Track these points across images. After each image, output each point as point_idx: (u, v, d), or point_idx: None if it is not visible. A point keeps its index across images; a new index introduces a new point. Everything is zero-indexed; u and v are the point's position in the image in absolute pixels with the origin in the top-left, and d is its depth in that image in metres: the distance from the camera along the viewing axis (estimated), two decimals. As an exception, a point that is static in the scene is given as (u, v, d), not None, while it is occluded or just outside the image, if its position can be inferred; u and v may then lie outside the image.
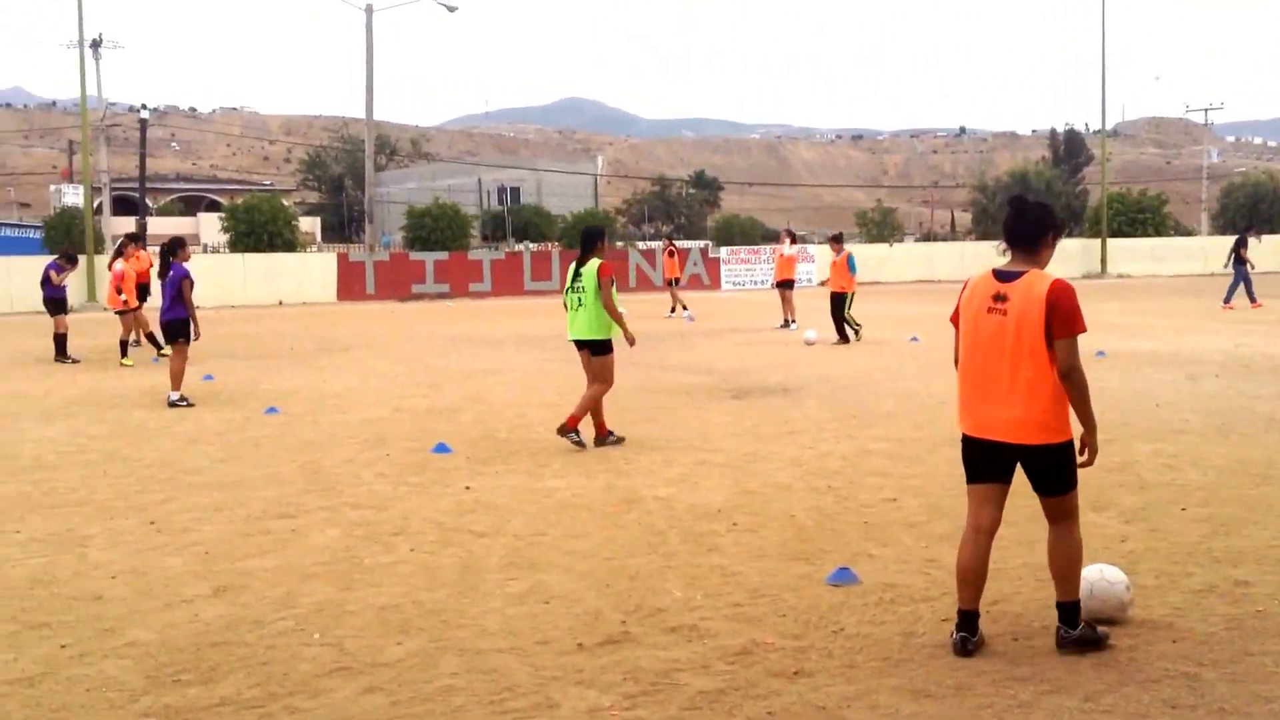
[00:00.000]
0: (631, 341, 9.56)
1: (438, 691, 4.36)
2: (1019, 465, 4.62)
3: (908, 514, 7.07)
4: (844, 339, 18.47)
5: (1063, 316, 4.40)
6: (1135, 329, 20.18)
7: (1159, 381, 12.98)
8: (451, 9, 40.93)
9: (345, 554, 6.29)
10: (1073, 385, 4.46)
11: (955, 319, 4.80)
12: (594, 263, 9.34)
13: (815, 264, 41.09)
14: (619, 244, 47.90)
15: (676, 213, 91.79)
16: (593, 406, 9.39)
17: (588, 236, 9.59)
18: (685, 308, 26.37)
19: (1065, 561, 4.59)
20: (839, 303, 18.72)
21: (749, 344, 19.08)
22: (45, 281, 17.68)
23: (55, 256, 18.38)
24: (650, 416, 11.10)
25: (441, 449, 9.37)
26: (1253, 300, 25.09)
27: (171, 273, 12.49)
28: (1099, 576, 4.89)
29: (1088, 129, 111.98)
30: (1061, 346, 4.42)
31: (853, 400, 12.02)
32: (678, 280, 27.83)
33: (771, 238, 55.60)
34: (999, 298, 4.52)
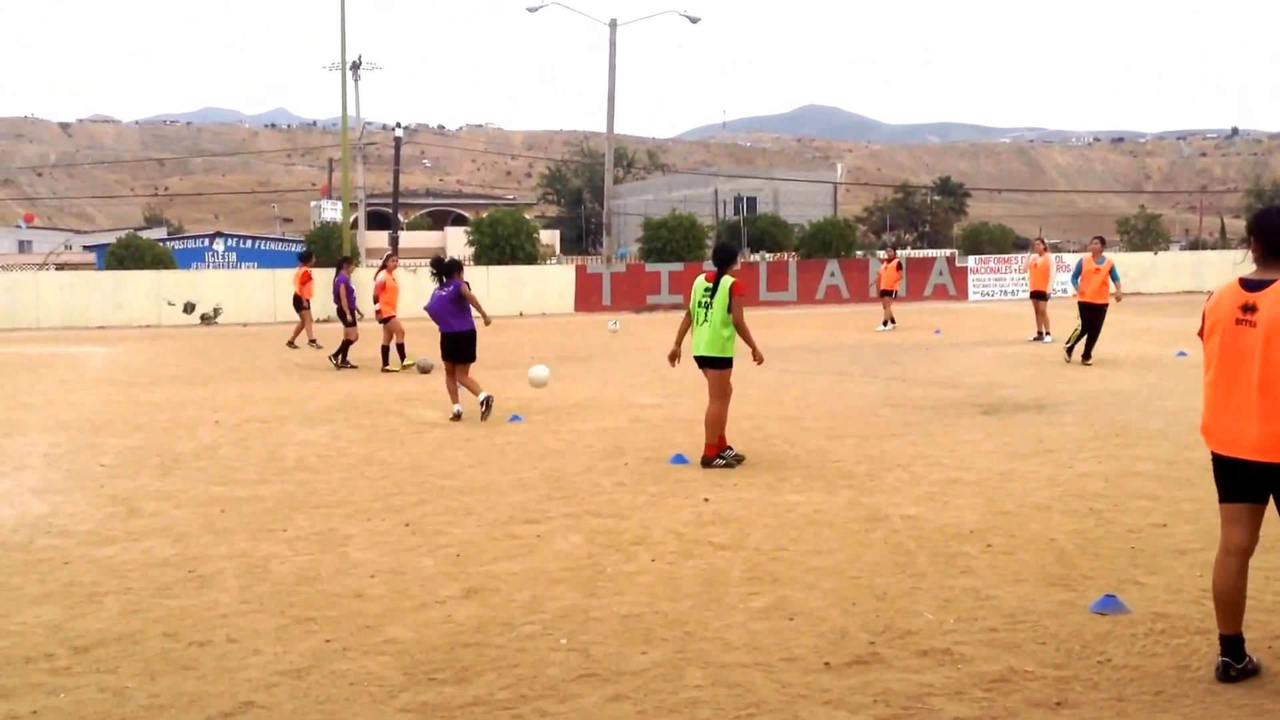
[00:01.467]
0: (760, 359, 9.39)
1: (683, 703, 4.33)
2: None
3: (1179, 540, 6.55)
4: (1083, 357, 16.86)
5: None
6: None
7: None
8: (694, 20, 41.47)
9: (588, 561, 6.40)
10: None
11: (1203, 332, 4.50)
12: (728, 280, 9.21)
13: (1069, 273, 39.05)
14: (859, 253, 47.01)
15: (920, 220, 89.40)
16: (722, 424, 9.23)
17: (722, 255, 9.46)
18: (885, 322, 25.49)
19: (1234, 595, 4.33)
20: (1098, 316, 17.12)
21: (1000, 357, 18.28)
22: (338, 293, 19.14)
23: (341, 269, 19.75)
24: (895, 432, 10.78)
25: (679, 459, 9.41)
26: None
27: (451, 286, 12.54)
28: None
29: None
30: None
31: (1115, 418, 11.28)
32: (894, 292, 26.94)
33: (1023, 246, 53.23)
34: (1247, 308, 4.28)
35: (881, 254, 36.08)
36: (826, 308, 35.29)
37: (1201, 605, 5.28)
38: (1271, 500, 4.38)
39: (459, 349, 12.40)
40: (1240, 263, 5.69)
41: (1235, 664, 4.37)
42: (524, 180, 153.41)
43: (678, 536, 6.91)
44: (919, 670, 4.61)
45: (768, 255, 49.64)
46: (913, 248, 73.52)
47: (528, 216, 47.71)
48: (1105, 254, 18.02)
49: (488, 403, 12.00)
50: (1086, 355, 16.75)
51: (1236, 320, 4.30)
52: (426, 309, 12.66)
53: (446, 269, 12.93)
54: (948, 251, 49.88)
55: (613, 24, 40.74)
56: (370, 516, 7.65)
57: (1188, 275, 40.97)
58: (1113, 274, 17.58)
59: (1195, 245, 74.16)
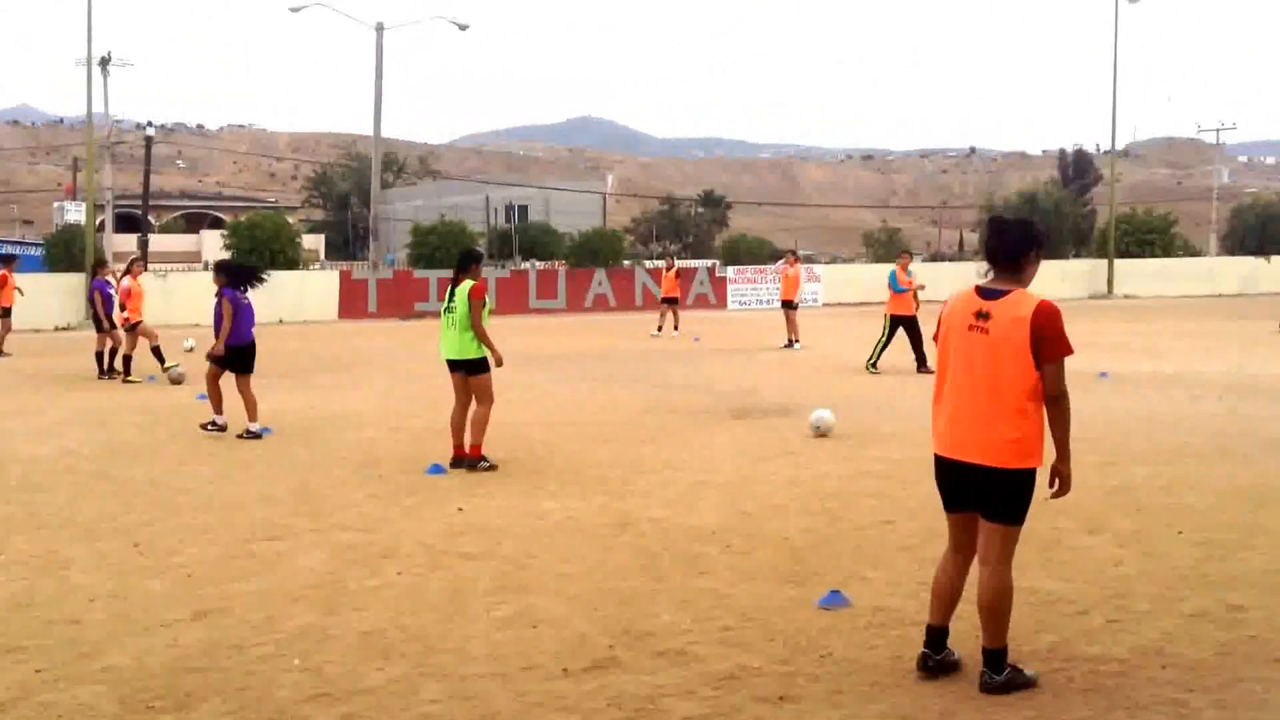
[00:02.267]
0: (499, 362, 9.55)
1: (417, 719, 4.30)
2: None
3: (902, 536, 7.01)
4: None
5: (1051, 340, 4.30)
6: (1140, 350, 20.09)
7: (1161, 403, 12.90)
8: (463, 27, 41.11)
9: (331, 577, 6.24)
10: (1059, 410, 4.37)
11: (937, 336, 4.72)
12: (466, 284, 9.42)
13: (821, 284, 41.12)
14: (625, 262, 47.88)
15: (684, 231, 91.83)
16: (485, 426, 9.40)
17: (462, 259, 9.67)
18: (676, 328, 26.24)
19: (996, 605, 4.41)
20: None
21: (753, 364, 19.02)
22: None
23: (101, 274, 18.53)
24: (651, 437, 11.05)
25: (436, 470, 9.32)
26: None
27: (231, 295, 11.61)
28: None
29: (1098, 149, 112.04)
30: (1050, 371, 4.31)
31: (853, 421, 11.94)
32: (677, 300, 27.73)
33: (779, 257, 55.60)
34: (981, 315, 4.42)
35: (660, 263, 36.87)
36: (594, 315, 35.72)
37: (918, 598, 5.61)
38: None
39: (246, 358, 11.74)
40: (985, 274, 6.19)
41: (934, 655, 4.59)
42: (289, 183, 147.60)
43: (427, 548, 6.84)
44: (653, 672, 4.75)
45: (538, 263, 49.81)
46: (677, 258, 75.44)
47: (291, 220, 45.96)
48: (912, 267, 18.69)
49: (256, 434, 11.25)
50: (923, 363, 16.54)
51: (969, 326, 4.42)
52: (232, 318, 11.54)
53: (243, 276, 12.13)
54: (709, 262, 51.52)
55: (379, 27, 39.87)
56: (97, 537, 7.19)
57: (929, 286, 43.82)
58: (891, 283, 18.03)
59: (935, 257, 79.52)
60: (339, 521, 7.58)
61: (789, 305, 22.57)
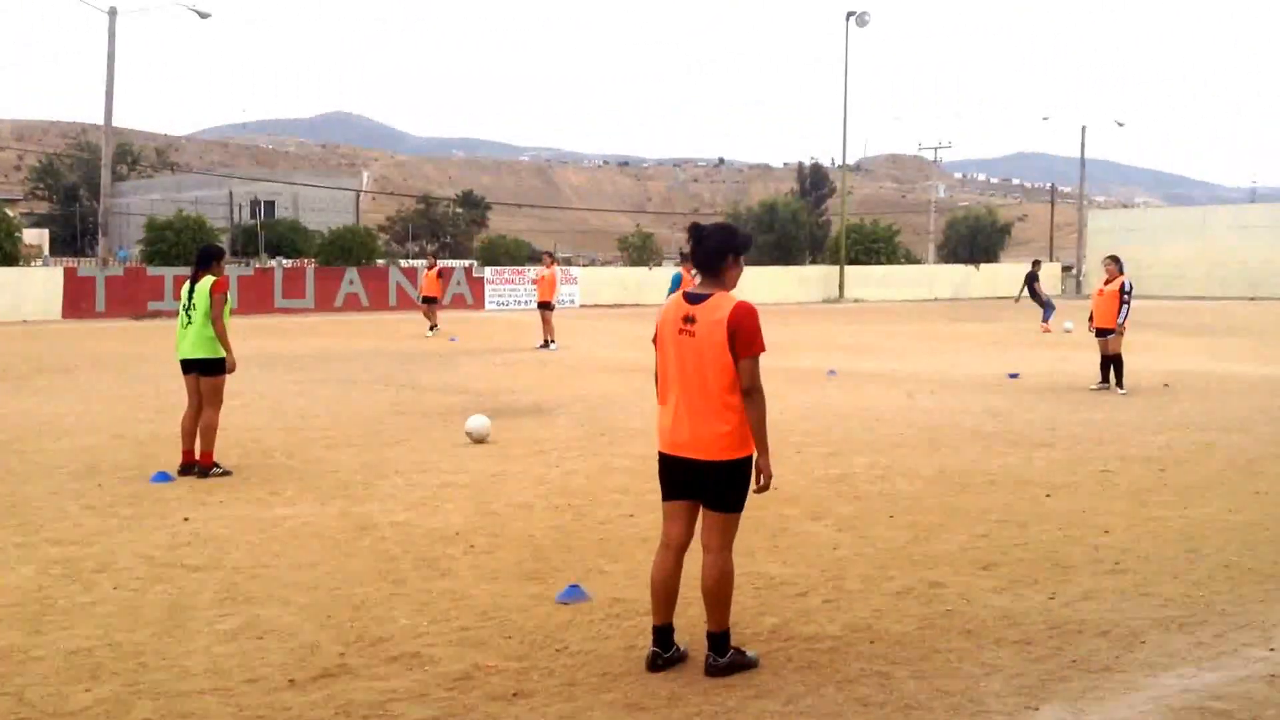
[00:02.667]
0: (232, 367, 9.26)
1: (126, 739, 4.06)
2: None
3: (643, 529, 7.19)
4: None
5: (745, 338, 4.55)
6: (865, 350, 21.46)
7: (881, 398, 13.83)
8: (204, 15, 38.92)
9: (37, 594, 5.79)
10: (753, 404, 4.59)
11: (656, 340, 4.90)
12: (207, 280, 9.14)
13: (578, 285, 41.64)
14: (380, 261, 46.76)
15: (442, 231, 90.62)
16: (214, 432, 9.07)
17: (202, 255, 9.36)
18: (433, 328, 25.98)
19: (719, 589, 4.62)
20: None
21: (508, 364, 19.02)
22: None
23: None
24: (399, 439, 10.85)
25: (162, 477, 8.81)
26: (1045, 322, 27.44)
27: None
28: None
29: (833, 163, 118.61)
30: (744, 366, 4.56)
31: (602, 418, 12.17)
32: (437, 299, 27.47)
33: (538, 259, 55.81)
34: (688, 319, 4.66)
35: (422, 262, 36.19)
36: (345, 315, 34.71)
37: (654, 588, 5.84)
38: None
39: None
40: (695, 275, 6.36)
41: (664, 653, 4.70)
42: (12, 174, 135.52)
43: (147, 560, 6.45)
44: (385, 677, 4.67)
45: (285, 261, 47.87)
46: (436, 258, 74.33)
47: (10, 213, 42.19)
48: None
49: None
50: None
51: (680, 330, 4.65)
52: None
53: None
54: (467, 262, 51.14)
55: (112, 12, 37.20)
56: None
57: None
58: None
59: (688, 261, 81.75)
60: (51, 535, 7.04)
61: (546, 306, 22.72)
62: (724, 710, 4.27)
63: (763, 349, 4.61)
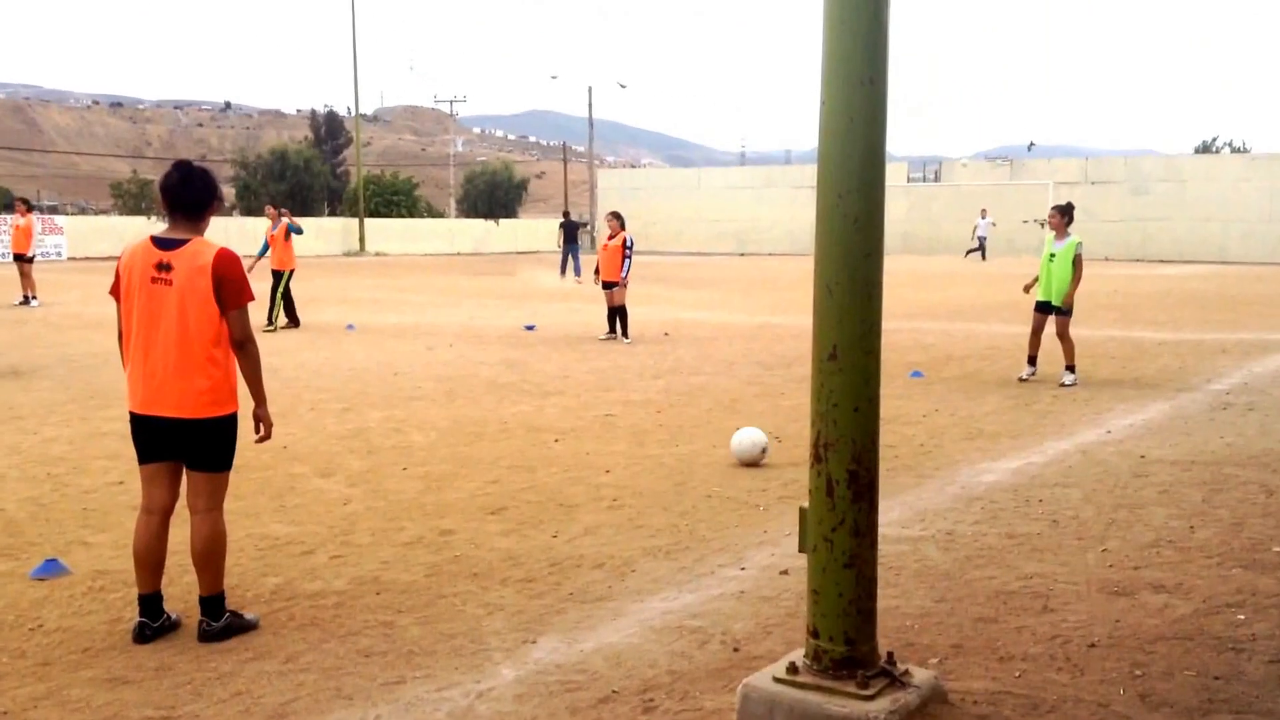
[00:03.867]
0: None
1: None
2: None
3: (133, 496, 6.47)
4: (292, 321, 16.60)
5: (233, 288, 4.36)
6: (386, 304, 21.29)
7: (401, 352, 13.77)
8: None
9: None
10: (246, 356, 4.45)
11: (115, 291, 4.48)
12: None
13: (65, 236, 37.68)
14: None
15: None
16: None
17: None
18: None
19: (210, 551, 4.44)
20: (277, 280, 16.60)
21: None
22: None
23: None
24: None
25: None
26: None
27: None
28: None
29: (349, 112, 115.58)
30: (234, 318, 4.38)
31: (92, 380, 11.00)
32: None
33: (12, 208, 49.52)
34: (162, 266, 4.32)
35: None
36: None
37: (143, 558, 5.36)
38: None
39: None
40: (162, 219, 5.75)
41: (152, 623, 4.40)
42: None
43: None
44: None
45: None
46: None
47: None
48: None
49: None
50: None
51: (153, 279, 4.30)
52: None
53: None
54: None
55: None
56: None
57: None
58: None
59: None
60: None
61: (22, 259, 20.45)
62: (218, 675, 4.03)
63: (252, 298, 4.47)
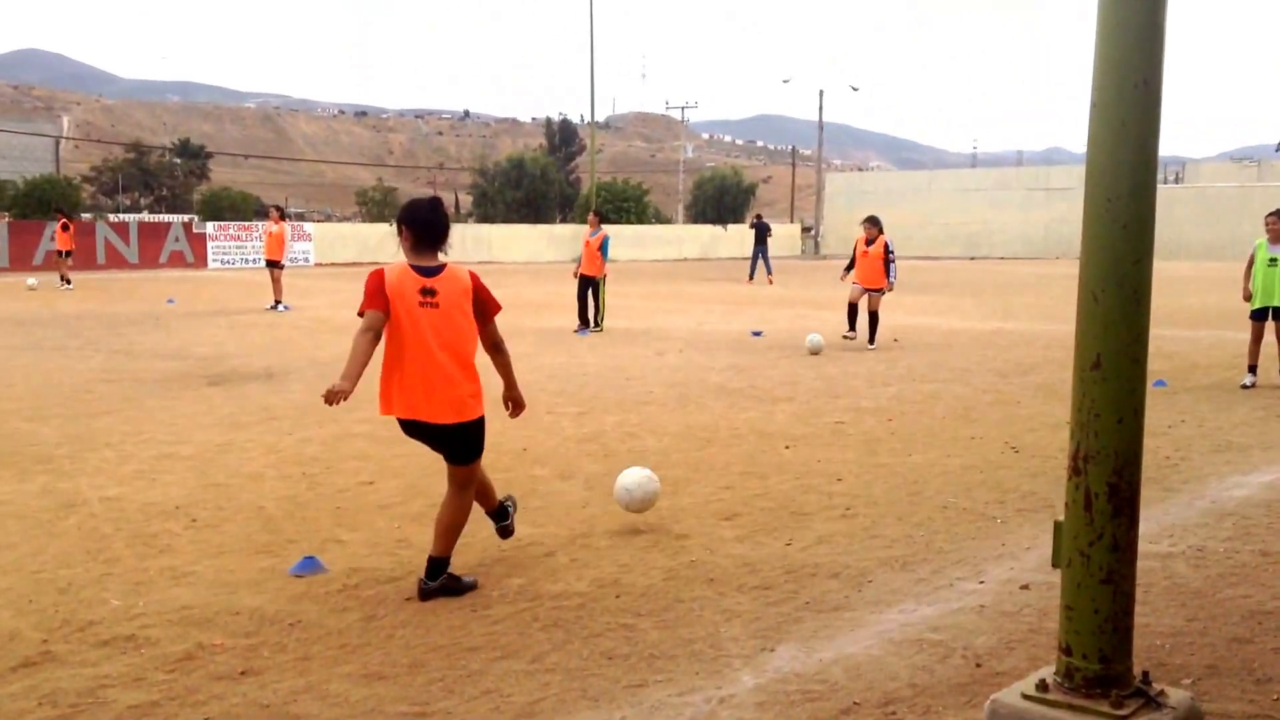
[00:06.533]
0: None
1: None
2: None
3: (382, 496, 6.94)
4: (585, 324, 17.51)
5: (491, 303, 5.02)
6: (616, 310, 21.70)
7: (632, 357, 14.02)
8: None
9: None
10: (502, 354, 5.18)
11: (379, 305, 4.83)
12: None
13: (312, 243, 39.91)
14: (85, 215, 43.14)
15: (157, 183, 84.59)
16: None
17: None
18: (67, 280, 26.31)
19: (452, 521, 5.04)
20: (586, 286, 17.56)
21: (234, 326, 17.97)
22: None
23: None
24: (110, 408, 10.00)
25: None
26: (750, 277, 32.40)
27: None
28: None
29: (582, 120, 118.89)
30: (494, 326, 5.09)
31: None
32: (68, 253, 27.64)
33: (266, 214, 53.33)
34: (427, 291, 4.85)
35: (132, 218, 33.50)
36: (47, 274, 31.83)
37: (394, 555, 5.61)
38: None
39: None
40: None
41: (430, 581, 4.96)
42: None
43: None
44: (96, 663, 4.26)
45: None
46: (150, 212, 69.44)
47: None
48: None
49: None
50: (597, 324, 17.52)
51: (420, 304, 4.80)
52: None
53: None
54: (186, 217, 48.00)
55: None
56: None
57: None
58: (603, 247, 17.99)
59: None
60: None
61: (274, 265, 21.64)
62: (468, 673, 4.16)
63: (499, 308, 5.09)
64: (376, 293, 4.83)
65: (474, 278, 4.97)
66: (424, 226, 4.88)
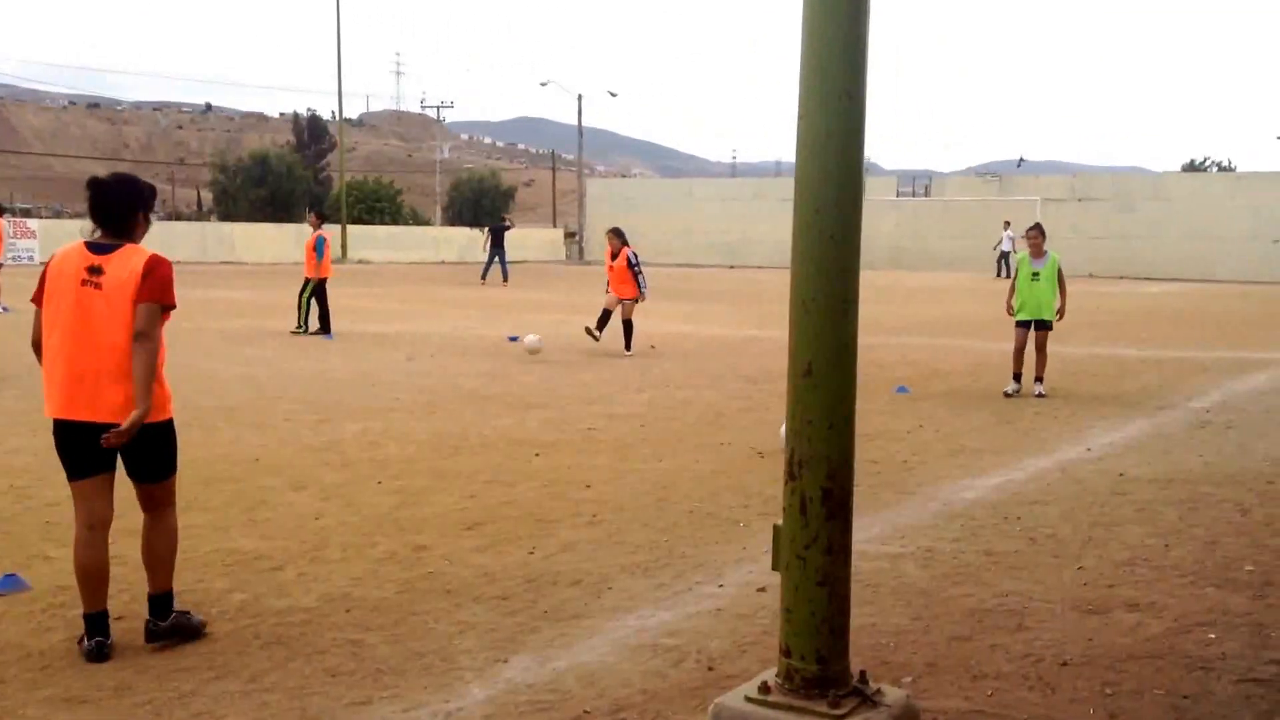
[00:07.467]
0: None
1: None
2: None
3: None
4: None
5: (155, 283, 4.27)
6: (368, 313, 21.15)
7: (381, 362, 13.67)
8: None
9: None
10: (140, 350, 4.20)
11: (39, 298, 4.38)
12: None
13: (38, 240, 37.30)
14: None
15: None
16: None
17: None
18: None
19: (163, 551, 4.45)
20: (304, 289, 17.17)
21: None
22: None
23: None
24: None
25: None
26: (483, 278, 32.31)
27: None
28: None
29: (333, 116, 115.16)
30: (143, 309, 4.23)
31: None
32: None
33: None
34: (94, 270, 4.26)
35: None
36: None
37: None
38: (122, 467, 4.38)
39: None
40: (94, 232, 5.66)
41: (107, 640, 4.30)
42: None
43: None
44: None
45: None
46: None
47: None
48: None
49: None
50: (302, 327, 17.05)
51: (83, 282, 4.22)
52: None
53: None
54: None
55: None
56: None
57: (156, 246, 41.86)
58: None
59: (173, 216, 75.83)
60: None
61: (-10, 264, 20.03)
62: (179, 695, 3.95)
63: (174, 302, 4.36)
64: (40, 280, 4.35)
65: (152, 262, 4.29)
66: (90, 203, 4.36)
